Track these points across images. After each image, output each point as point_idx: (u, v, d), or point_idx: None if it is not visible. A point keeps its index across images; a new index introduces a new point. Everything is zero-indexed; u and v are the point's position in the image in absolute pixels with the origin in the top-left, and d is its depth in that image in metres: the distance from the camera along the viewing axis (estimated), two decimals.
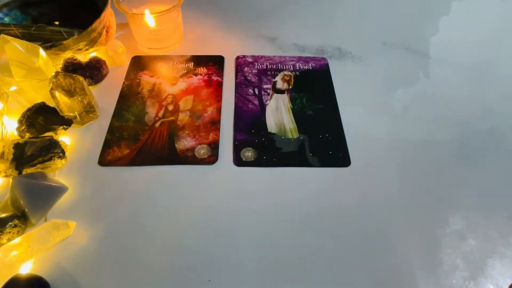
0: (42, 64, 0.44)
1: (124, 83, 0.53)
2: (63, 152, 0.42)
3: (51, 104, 0.45)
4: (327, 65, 0.56)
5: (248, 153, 0.45)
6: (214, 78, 0.54)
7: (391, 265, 0.36)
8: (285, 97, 0.51)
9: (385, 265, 0.36)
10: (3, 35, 0.43)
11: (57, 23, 0.55)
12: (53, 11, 0.56)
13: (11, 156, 0.40)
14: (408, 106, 0.51)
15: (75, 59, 0.52)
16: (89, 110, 0.46)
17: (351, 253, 0.37)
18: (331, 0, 0.70)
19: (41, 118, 0.45)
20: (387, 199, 0.41)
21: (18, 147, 0.41)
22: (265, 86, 0.53)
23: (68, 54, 0.51)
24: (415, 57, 0.58)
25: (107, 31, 0.53)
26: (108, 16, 0.51)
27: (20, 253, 0.34)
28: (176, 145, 0.45)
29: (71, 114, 0.45)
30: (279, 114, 0.49)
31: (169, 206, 0.40)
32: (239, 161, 0.44)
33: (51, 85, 0.42)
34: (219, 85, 0.53)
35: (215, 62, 0.56)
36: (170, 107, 0.50)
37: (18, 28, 0.50)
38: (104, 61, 0.54)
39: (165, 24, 0.55)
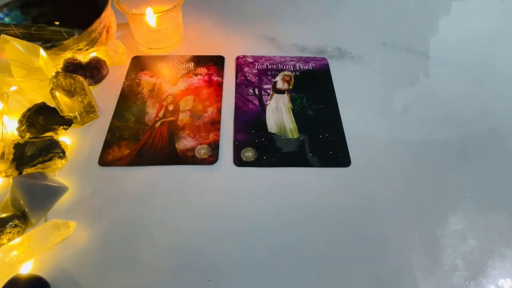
0: (43, 64, 0.44)
1: (124, 83, 0.53)
2: (63, 152, 0.42)
3: (52, 104, 0.45)
4: (327, 65, 0.56)
5: (248, 153, 0.45)
6: (214, 78, 0.54)
7: (391, 265, 0.36)
8: (285, 97, 0.51)
9: (385, 265, 0.36)
10: (3, 35, 0.43)
11: (57, 23, 0.55)
12: (53, 11, 0.56)
13: (11, 156, 0.40)
14: (408, 106, 0.51)
15: (75, 59, 0.52)
16: (89, 110, 0.46)
17: (351, 253, 0.37)
18: (331, 0, 0.70)
19: (42, 118, 0.45)
20: (387, 199, 0.41)
21: (18, 147, 0.41)
22: (265, 86, 0.53)
23: (68, 54, 0.51)
24: (415, 57, 0.59)
25: (107, 31, 0.53)
26: (108, 16, 0.51)
27: (20, 253, 0.34)
28: (176, 145, 0.45)
29: (71, 114, 0.45)
30: (279, 114, 0.49)
31: (169, 206, 0.40)
32: (239, 161, 0.44)
33: (51, 85, 0.42)
34: (219, 85, 0.53)
35: (215, 62, 0.56)
36: (170, 107, 0.50)
37: (18, 28, 0.50)
38: (104, 61, 0.54)
39: (166, 24, 0.55)
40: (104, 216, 0.39)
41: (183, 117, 0.49)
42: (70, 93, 0.44)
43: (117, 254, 0.36)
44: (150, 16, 0.53)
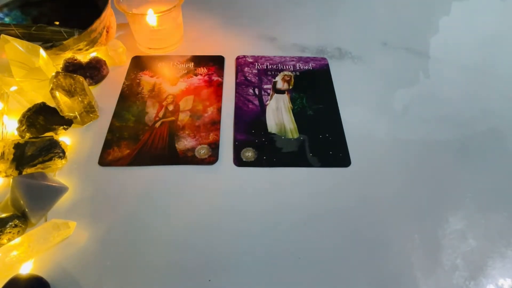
0: (43, 64, 0.44)
1: (124, 83, 0.53)
2: (63, 152, 0.42)
3: (52, 104, 0.45)
4: (327, 65, 0.56)
5: (248, 153, 0.45)
6: (215, 78, 0.54)
7: (391, 265, 0.36)
8: (285, 97, 0.51)
9: (385, 265, 0.36)
10: (3, 35, 0.43)
11: (57, 23, 0.55)
12: (53, 11, 0.56)
13: (11, 156, 0.40)
14: (408, 106, 0.51)
15: (75, 59, 0.52)
16: (90, 110, 0.46)
17: (351, 253, 0.37)
18: (331, 0, 0.70)
19: (42, 118, 0.45)
20: (387, 199, 0.41)
21: (19, 147, 0.41)
22: (265, 86, 0.53)
23: (68, 54, 0.51)
24: (415, 57, 0.59)
25: (107, 31, 0.53)
26: (108, 16, 0.51)
27: (20, 253, 0.34)
28: (176, 145, 0.45)
29: (71, 114, 0.45)
30: (279, 114, 0.49)
31: (169, 206, 0.40)
32: (239, 161, 0.44)
33: (51, 85, 0.42)
34: (219, 85, 0.53)
35: (216, 62, 0.56)
36: (171, 107, 0.50)
37: (18, 28, 0.50)
38: (104, 61, 0.54)
39: (166, 24, 0.55)
40: (104, 216, 0.39)
41: (183, 117, 0.49)
42: (70, 93, 0.44)
43: (117, 254, 0.36)
44: (150, 16, 0.53)
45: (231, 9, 0.67)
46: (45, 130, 0.44)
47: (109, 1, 0.50)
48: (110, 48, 0.54)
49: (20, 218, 0.37)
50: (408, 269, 0.36)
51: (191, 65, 0.56)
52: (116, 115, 0.49)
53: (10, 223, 0.36)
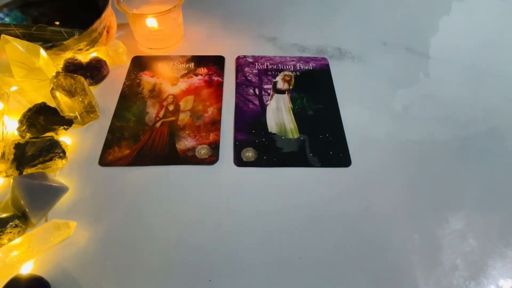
0: (43, 64, 0.44)
1: (124, 83, 0.53)
2: (63, 152, 0.42)
3: (52, 104, 0.45)
4: (327, 65, 0.56)
5: (248, 153, 0.45)
6: (215, 78, 0.54)
7: (391, 265, 0.36)
8: (285, 97, 0.51)
9: (385, 265, 0.36)
10: (3, 35, 0.43)
11: (57, 23, 0.55)
12: (53, 12, 0.56)
13: (11, 156, 0.40)
14: (408, 106, 0.51)
15: (76, 59, 0.52)
16: (90, 110, 0.47)
17: (351, 253, 0.37)
18: (331, 0, 0.70)
19: (42, 118, 0.45)
20: (387, 199, 0.41)
21: (19, 147, 0.41)
22: (265, 86, 0.53)
23: (68, 54, 0.51)
24: (415, 57, 0.59)
25: (107, 31, 0.53)
26: (108, 16, 0.51)
27: (21, 253, 0.34)
28: (176, 145, 0.45)
29: (71, 114, 0.45)
30: (279, 114, 0.49)
31: (170, 206, 0.40)
32: (239, 161, 0.44)
33: (51, 85, 0.42)
34: (220, 85, 0.53)
35: (216, 62, 0.56)
36: (171, 107, 0.50)
37: (18, 28, 0.50)
38: (104, 61, 0.54)
39: (166, 24, 0.55)
40: (104, 216, 0.39)
41: (183, 117, 0.49)
42: (70, 93, 0.44)
43: (117, 254, 0.36)
44: (151, 16, 0.53)
45: (231, 9, 0.67)
46: (45, 130, 0.45)
47: (110, 1, 0.50)
48: (110, 48, 0.54)
49: (20, 218, 0.37)
50: (408, 269, 0.36)
51: (191, 65, 0.56)
52: (117, 115, 0.49)
53: (11, 223, 0.36)
